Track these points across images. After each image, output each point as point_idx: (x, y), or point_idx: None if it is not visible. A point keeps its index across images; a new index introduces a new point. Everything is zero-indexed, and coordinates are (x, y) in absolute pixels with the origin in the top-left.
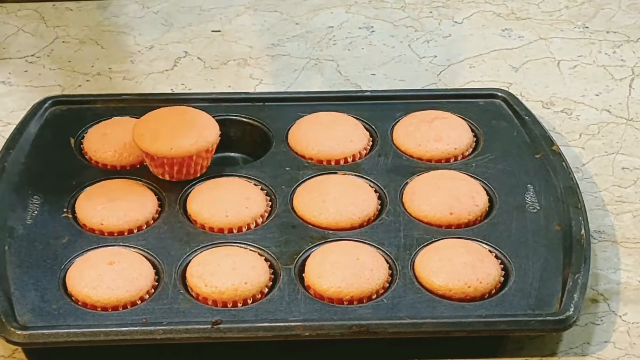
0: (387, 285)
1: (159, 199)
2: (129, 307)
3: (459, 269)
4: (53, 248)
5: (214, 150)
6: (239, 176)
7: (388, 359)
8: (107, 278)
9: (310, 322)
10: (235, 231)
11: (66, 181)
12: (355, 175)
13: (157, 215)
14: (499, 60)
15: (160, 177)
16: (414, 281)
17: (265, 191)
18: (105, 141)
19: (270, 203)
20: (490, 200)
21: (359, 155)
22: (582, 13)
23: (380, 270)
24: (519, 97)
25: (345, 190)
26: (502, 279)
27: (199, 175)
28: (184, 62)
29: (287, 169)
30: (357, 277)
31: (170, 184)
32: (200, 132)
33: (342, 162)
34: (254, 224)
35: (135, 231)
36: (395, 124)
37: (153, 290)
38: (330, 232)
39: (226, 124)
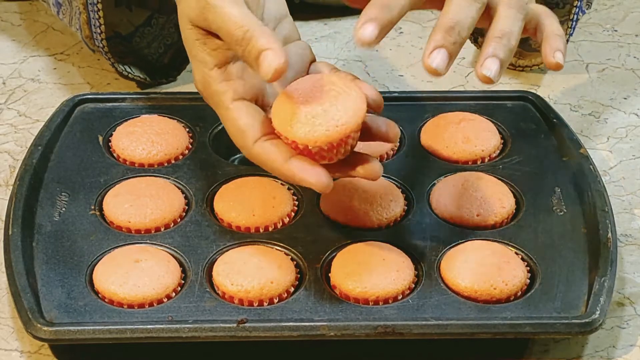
0: (413, 286)
1: (186, 198)
2: (155, 304)
3: (485, 270)
4: (80, 245)
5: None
6: (266, 176)
7: None
8: (134, 275)
9: (336, 322)
10: (261, 230)
11: (94, 179)
12: (383, 175)
13: (184, 214)
14: None
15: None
16: (440, 282)
17: (292, 191)
18: (133, 139)
19: (297, 203)
20: (517, 203)
21: (386, 156)
22: (611, 16)
23: (406, 271)
24: (547, 100)
25: (372, 190)
26: (528, 281)
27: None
28: None
29: None
30: (382, 278)
31: (198, 183)
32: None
33: None
34: (281, 224)
35: (162, 229)
36: (423, 125)
37: (179, 289)
38: (357, 232)
39: None
